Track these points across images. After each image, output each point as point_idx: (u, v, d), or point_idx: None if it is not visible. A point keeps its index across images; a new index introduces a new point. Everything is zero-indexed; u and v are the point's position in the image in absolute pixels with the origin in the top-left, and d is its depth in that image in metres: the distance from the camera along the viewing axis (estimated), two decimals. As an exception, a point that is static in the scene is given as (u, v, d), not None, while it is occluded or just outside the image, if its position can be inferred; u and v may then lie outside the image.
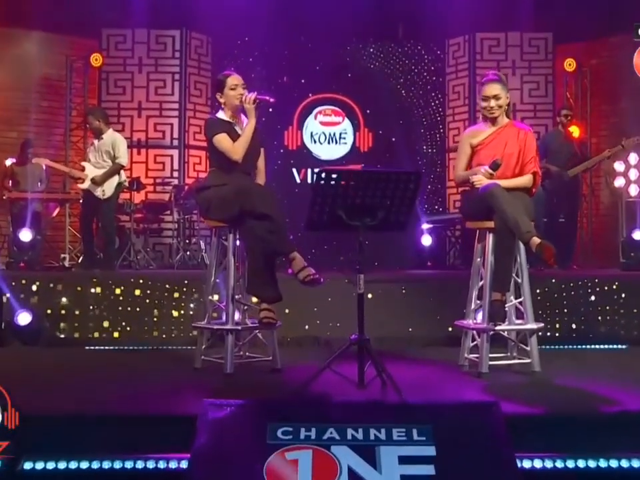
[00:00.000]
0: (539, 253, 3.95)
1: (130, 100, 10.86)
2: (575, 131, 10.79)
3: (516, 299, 4.48)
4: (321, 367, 3.82)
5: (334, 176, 3.62)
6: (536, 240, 4.03)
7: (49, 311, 5.96)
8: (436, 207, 11.45)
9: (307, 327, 5.85)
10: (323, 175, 3.61)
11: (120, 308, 5.99)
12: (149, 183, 10.56)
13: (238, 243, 4.47)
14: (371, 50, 11.53)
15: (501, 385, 4.11)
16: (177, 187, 10.08)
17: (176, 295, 6.03)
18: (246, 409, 3.05)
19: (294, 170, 11.38)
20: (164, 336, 5.97)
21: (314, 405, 3.19)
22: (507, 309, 4.37)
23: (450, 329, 5.51)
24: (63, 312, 5.96)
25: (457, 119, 11.45)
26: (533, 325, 4.38)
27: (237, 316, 4.46)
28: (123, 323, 5.96)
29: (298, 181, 11.35)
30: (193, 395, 3.80)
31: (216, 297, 4.59)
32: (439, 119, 11.63)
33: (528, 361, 4.40)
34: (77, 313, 5.99)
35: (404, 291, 6.06)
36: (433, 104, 11.62)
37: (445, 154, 11.57)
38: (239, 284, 4.50)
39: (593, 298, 6.04)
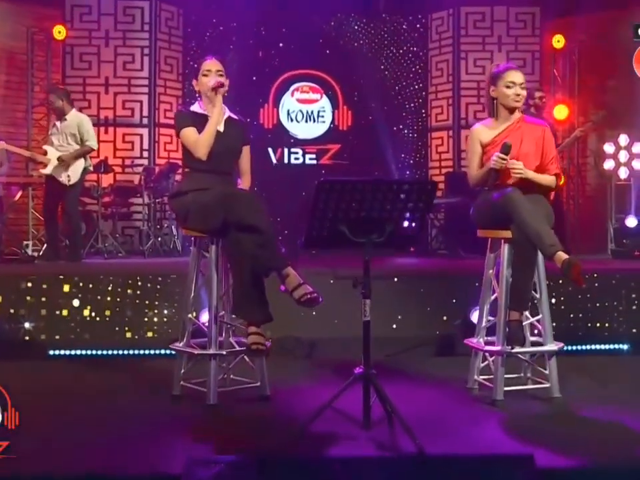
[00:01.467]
0: (566, 271, 3.49)
1: (96, 75, 10.21)
2: (562, 111, 10.39)
3: (532, 315, 4.01)
4: (320, 406, 3.33)
5: (337, 187, 3.12)
6: (562, 255, 3.57)
7: (11, 311, 5.42)
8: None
9: (287, 326, 5.32)
10: (325, 186, 3.10)
11: (90, 307, 5.48)
12: (117, 163, 10.02)
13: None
14: (351, 24, 10.98)
15: (521, 417, 3.68)
16: (147, 169, 9.52)
17: (151, 292, 5.55)
18: (236, 467, 2.59)
19: (270, 150, 10.87)
20: (137, 337, 5.50)
21: (313, 462, 2.71)
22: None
23: (437, 331, 5.28)
24: (27, 311, 5.43)
25: (440, 97, 10.99)
26: (552, 346, 3.92)
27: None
28: (93, 324, 5.47)
29: (274, 161, 10.85)
30: (174, 435, 3.32)
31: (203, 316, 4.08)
32: (421, 96, 11.12)
33: (546, 385, 3.96)
34: (42, 313, 5.46)
35: (392, 285, 5.72)
36: (415, 81, 11.11)
37: (428, 133, 11.10)
38: (223, 300, 3.99)
39: (589, 294, 5.62)
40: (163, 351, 5.22)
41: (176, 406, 3.95)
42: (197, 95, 4.23)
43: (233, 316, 4.01)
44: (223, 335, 4.00)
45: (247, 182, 4.22)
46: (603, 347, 5.75)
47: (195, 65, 4.36)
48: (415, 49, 11.07)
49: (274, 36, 10.67)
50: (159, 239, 9.33)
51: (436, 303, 5.85)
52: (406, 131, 11.09)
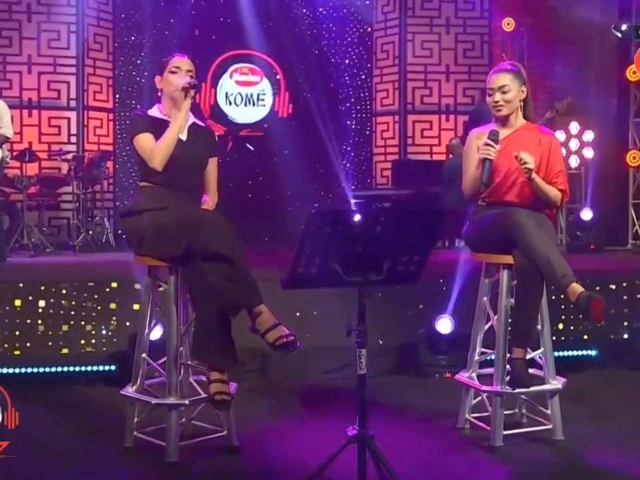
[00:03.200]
0: (584, 307, 3.06)
1: (18, 53, 9.43)
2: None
3: (532, 348, 3.57)
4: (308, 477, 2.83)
5: (329, 219, 2.61)
6: (577, 287, 3.14)
7: None
8: (362, 177, 10.53)
9: (238, 337, 4.79)
10: (316, 219, 2.59)
11: (18, 320, 4.85)
12: (43, 149, 9.28)
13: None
14: (292, 4, 10.38)
15: (526, 469, 3.26)
16: (76, 157, 8.81)
17: (89, 300, 4.98)
18: None
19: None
20: (74, 352, 4.92)
21: None
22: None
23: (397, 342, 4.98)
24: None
25: (386, 80, 10.57)
26: (556, 384, 3.50)
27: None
28: (24, 338, 4.86)
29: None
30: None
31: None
32: (365, 80, 10.63)
33: (547, 426, 3.54)
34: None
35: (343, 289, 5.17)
36: (359, 64, 10.60)
37: (373, 118, 10.64)
38: (185, 334, 3.44)
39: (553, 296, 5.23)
40: (104, 367, 4.81)
41: (129, 461, 3.39)
42: (159, 94, 3.60)
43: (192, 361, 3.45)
44: (182, 373, 3.45)
45: (213, 199, 3.65)
46: (571, 353, 5.44)
47: (142, 59, 3.74)
48: (358, 30, 10.57)
49: (211, 14, 10.03)
50: (90, 232, 8.69)
51: (395, 309, 5.38)
52: (350, 116, 10.58)
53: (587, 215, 8.59)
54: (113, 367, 4.99)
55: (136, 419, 3.44)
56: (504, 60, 10.44)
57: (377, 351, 5.17)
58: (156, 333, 4.74)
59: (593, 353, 5.56)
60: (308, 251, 2.67)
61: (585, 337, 5.40)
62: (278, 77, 10.45)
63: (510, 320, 3.46)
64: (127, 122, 9.61)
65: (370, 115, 10.64)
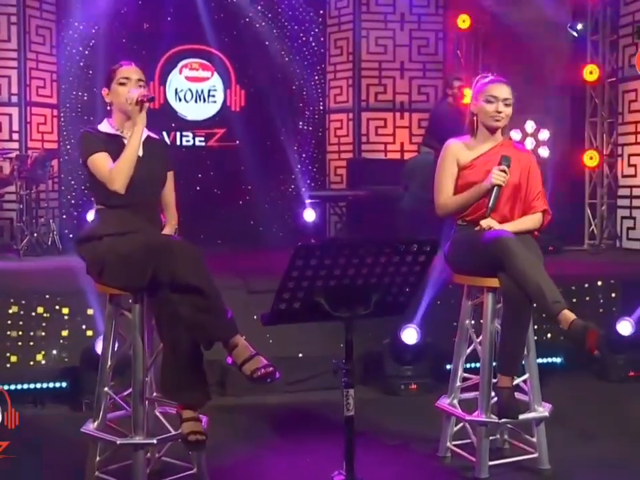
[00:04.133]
0: (578, 337, 2.91)
1: (-47, 46, 8.94)
2: (465, 94, 9.94)
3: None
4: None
5: (316, 252, 2.40)
6: (569, 315, 3.00)
7: None
8: (317, 176, 10.31)
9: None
10: (301, 252, 2.37)
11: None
12: (-18, 147, 8.79)
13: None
14: (244, -1, 10.09)
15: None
16: (20, 156, 8.42)
17: (40, 309, 4.73)
18: None
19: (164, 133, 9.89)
20: (21, 368, 4.69)
21: None
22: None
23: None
24: None
25: (340, 77, 10.33)
26: (542, 411, 3.35)
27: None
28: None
29: (167, 142, 9.85)
30: None
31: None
32: (318, 76, 10.39)
33: (533, 455, 3.39)
34: None
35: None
36: (312, 60, 10.34)
37: (326, 115, 10.41)
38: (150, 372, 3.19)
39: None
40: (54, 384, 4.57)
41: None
42: (108, 107, 3.34)
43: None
44: (146, 406, 3.20)
45: (172, 217, 3.40)
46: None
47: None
48: (312, 25, 10.31)
49: (159, 7, 9.63)
50: (35, 235, 8.31)
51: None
52: (302, 113, 10.33)
53: (544, 215, 8.52)
54: (64, 384, 4.80)
55: (98, 458, 3.18)
56: (459, 58, 10.37)
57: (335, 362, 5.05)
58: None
59: (559, 360, 5.50)
60: (292, 285, 2.46)
61: (551, 343, 5.30)
62: (228, 72, 10.12)
63: (496, 346, 3.29)
64: (68, 128, 9.32)
65: (323, 112, 10.40)
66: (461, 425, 3.53)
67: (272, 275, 6.01)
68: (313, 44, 10.34)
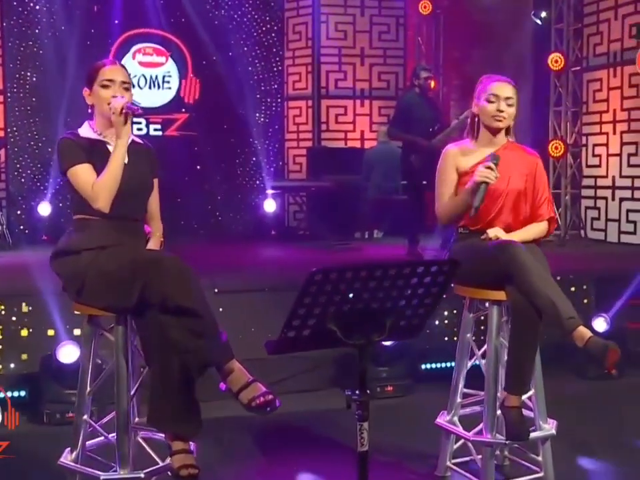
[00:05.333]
0: (597, 354, 2.74)
1: None
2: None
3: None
4: None
5: (332, 276, 2.17)
6: (584, 331, 2.82)
7: None
8: (275, 165, 10.04)
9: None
10: (317, 278, 2.14)
11: None
12: None
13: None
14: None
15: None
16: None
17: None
18: None
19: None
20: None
21: None
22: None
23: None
24: None
25: (298, 63, 10.08)
26: (548, 429, 3.18)
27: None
28: None
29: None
30: None
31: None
32: (276, 62, 10.09)
33: (538, 475, 3.22)
34: None
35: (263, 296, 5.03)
36: (269, 45, 10.04)
37: (284, 102, 10.14)
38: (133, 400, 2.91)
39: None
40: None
41: None
42: (89, 109, 3.04)
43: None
44: (132, 437, 2.92)
45: (158, 228, 3.12)
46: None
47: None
48: (269, 10, 9.99)
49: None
50: (-19, 228, 7.93)
51: None
52: (260, 101, 10.02)
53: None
54: (22, 393, 4.53)
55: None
56: (420, 44, 10.19)
57: (310, 362, 4.88)
58: (69, 355, 4.26)
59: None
60: (303, 312, 2.23)
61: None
62: (185, 59, 9.75)
63: (504, 363, 3.11)
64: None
65: (281, 100, 10.13)
66: (461, 442, 3.35)
67: (238, 273, 5.92)
68: (271, 29, 10.02)
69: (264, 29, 9.94)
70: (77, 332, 4.46)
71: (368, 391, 2.35)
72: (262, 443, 3.97)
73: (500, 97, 3.25)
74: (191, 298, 2.62)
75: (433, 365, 5.26)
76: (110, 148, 2.95)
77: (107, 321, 2.89)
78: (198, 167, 9.46)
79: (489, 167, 3.07)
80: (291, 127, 10.21)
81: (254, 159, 9.74)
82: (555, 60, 8.53)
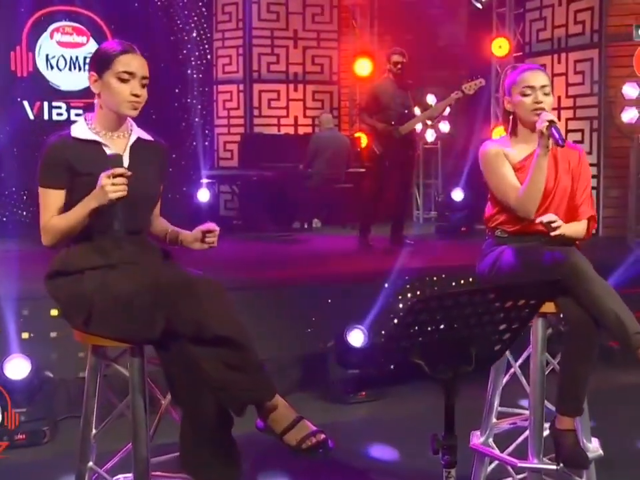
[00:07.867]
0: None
1: None
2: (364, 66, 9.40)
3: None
4: None
5: (432, 304, 1.81)
6: (651, 349, 2.56)
7: None
8: (204, 152, 9.54)
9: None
10: (417, 308, 1.78)
11: None
12: None
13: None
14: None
15: None
16: None
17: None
18: None
19: (25, 103, 8.78)
20: None
21: None
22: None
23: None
24: None
25: (228, 45, 9.62)
26: (596, 450, 2.90)
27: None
28: None
29: (31, 116, 8.80)
30: None
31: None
32: (204, 44, 9.58)
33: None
34: None
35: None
36: (197, 26, 9.50)
37: (214, 86, 9.65)
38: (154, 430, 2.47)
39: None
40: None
41: None
42: (96, 97, 2.52)
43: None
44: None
45: (165, 222, 2.68)
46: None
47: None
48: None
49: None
50: None
51: (296, 317, 4.89)
52: (188, 84, 9.48)
53: (458, 195, 8.21)
54: None
55: None
56: (354, 27, 9.85)
57: (275, 363, 4.50)
58: (19, 369, 3.77)
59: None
60: (392, 347, 1.86)
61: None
62: (106, 37, 9.10)
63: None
64: None
65: (210, 84, 9.63)
66: (495, 463, 3.05)
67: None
68: (199, 9, 9.48)
69: (191, 8, 9.39)
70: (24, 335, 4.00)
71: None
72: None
73: (535, 87, 2.93)
74: (229, 326, 2.20)
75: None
76: (106, 149, 2.46)
77: (114, 350, 2.43)
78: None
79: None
80: (220, 112, 9.74)
81: (184, 146, 9.22)
82: (499, 45, 8.37)
